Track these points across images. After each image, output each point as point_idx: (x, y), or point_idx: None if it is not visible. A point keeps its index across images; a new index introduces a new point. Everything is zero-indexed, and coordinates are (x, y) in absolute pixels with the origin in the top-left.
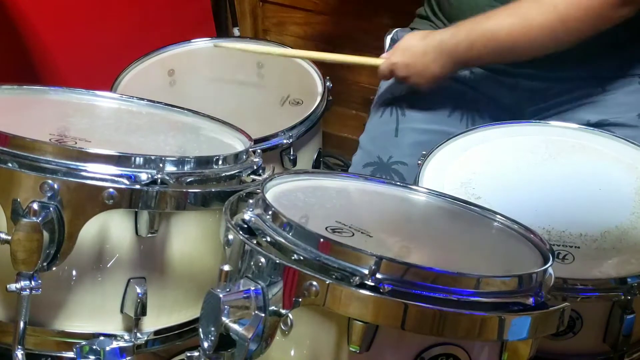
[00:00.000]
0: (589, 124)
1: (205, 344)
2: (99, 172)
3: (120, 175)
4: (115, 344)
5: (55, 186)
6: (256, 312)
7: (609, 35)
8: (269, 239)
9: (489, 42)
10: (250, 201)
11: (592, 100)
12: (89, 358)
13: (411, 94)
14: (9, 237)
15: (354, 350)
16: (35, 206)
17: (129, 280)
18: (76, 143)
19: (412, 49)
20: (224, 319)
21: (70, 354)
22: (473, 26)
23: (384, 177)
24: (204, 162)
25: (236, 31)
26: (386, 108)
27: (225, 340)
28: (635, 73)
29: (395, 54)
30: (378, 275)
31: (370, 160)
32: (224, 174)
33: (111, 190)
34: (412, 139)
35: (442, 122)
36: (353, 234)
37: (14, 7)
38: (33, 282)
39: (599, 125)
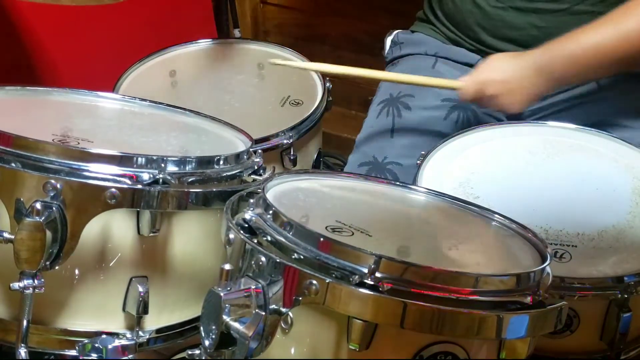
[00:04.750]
0: (587, 124)
1: (207, 342)
2: (101, 172)
3: (123, 175)
4: (117, 342)
5: (58, 186)
6: (257, 310)
7: None
8: (269, 238)
9: (590, 54)
10: (251, 201)
11: (590, 100)
12: (91, 356)
13: (409, 96)
14: (12, 237)
15: (353, 348)
16: (38, 206)
17: (131, 279)
18: (79, 143)
19: (504, 66)
20: (224, 317)
21: (73, 352)
22: (565, 42)
23: (380, 177)
24: (206, 162)
25: (237, 32)
26: (383, 109)
27: (226, 339)
28: (632, 73)
29: (483, 72)
30: (377, 274)
31: (365, 160)
32: (225, 174)
33: (113, 190)
34: (408, 141)
35: (438, 125)
36: (353, 234)
37: (16, 8)
38: (36, 281)
39: (597, 125)
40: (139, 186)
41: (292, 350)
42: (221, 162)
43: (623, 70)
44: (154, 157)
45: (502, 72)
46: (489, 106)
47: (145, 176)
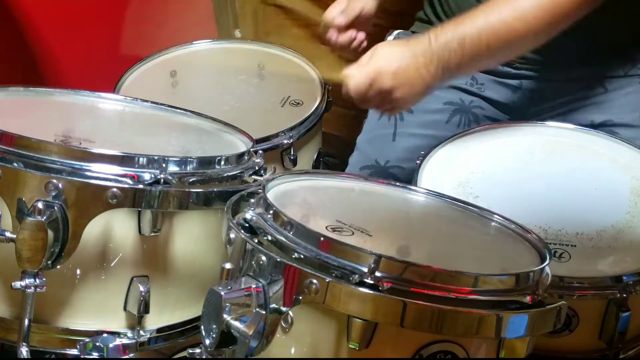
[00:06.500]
0: (593, 125)
1: (207, 341)
2: (103, 172)
3: (124, 175)
4: (118, 341)
5: (60, 185)
6: (257, 309)
7: (612, 35)
8: (270, 237)
9: (487, 35)
10: (252, 201)
11: (595, 101)
12: (92, 355)
13: None
14: (14, 236)
15: (353, 347)
16: (40, 205)
17: (132, 279)
18: (80, 143)
19: (395, 55)
20: (225, 316)
21: (74, 351)
22: (461, 23)
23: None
24: (207, 162)
25: (237, 33)
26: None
27: (227, 338)
28: (637, 73)
29: (373, 62)
30: (377, 274)
31: (367, 163)
32: (226, 174)
33: (115, 189)
34: (410, 144)
35: (439, 128)
36: (353, 233)
37: (18, 9)
38: (37, 280)
39: (603, 125)
40: (140, 186)
41: (292, 350)
42: (222, 163)
43: (515, 54)
44: (155, 157)
45: (394, 61)
46: (382, 106)
47: (147, 176)
